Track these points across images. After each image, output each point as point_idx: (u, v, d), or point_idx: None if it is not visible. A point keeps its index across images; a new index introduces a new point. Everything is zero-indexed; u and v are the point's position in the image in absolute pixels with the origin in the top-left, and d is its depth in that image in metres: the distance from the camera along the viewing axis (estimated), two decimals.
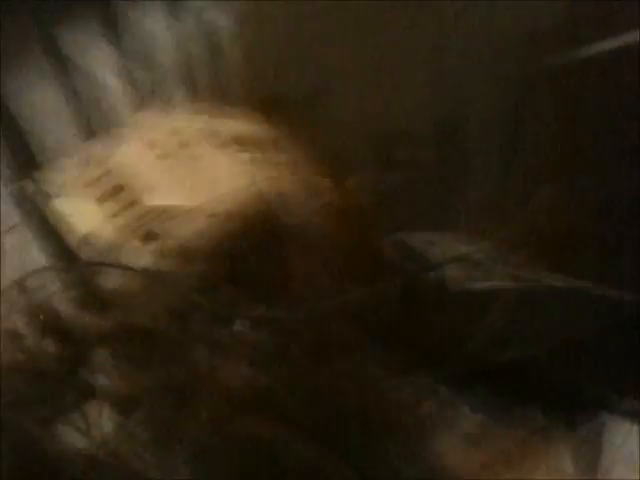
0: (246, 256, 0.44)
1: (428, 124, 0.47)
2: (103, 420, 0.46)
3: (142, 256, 0.40)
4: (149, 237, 0.41)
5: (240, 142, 0.46)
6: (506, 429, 0.65)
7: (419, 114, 0.47)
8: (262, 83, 0.53)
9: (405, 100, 0.48)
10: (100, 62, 0.58)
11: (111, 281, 0.40)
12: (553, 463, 0.91)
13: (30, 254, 0.45)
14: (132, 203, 0.42)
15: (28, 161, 0.50)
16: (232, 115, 0.49)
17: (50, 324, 0.42)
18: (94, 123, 0.53)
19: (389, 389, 0.55)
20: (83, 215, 0.42)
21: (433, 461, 0.60)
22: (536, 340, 0.50)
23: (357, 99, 0.50)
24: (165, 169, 0.45)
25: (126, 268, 0.39)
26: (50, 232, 0.44)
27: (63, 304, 0.41)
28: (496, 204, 0.43)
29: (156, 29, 0.65)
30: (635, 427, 0.59)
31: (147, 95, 0.54)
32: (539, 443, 0.65)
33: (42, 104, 0.53)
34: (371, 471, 0.53)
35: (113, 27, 0.62)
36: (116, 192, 0.43)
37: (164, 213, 0.42)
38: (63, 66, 0.59)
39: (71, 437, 0.45)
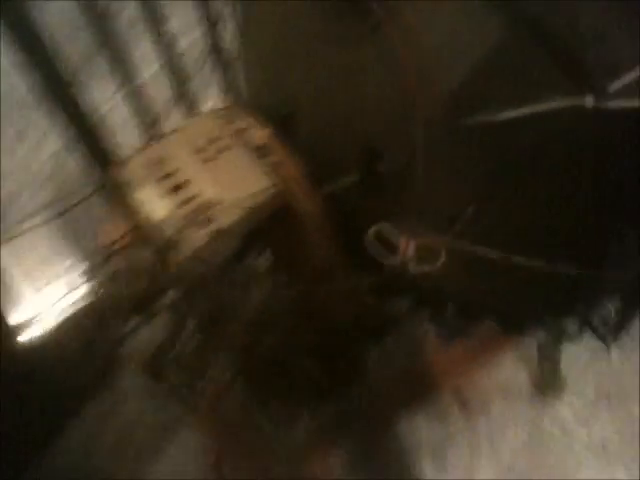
0: (268, 234, 0.63)
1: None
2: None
3: (199, 236, 0.59)
4: (203, 223, 0.59)
5: (261, 149, 0.63)
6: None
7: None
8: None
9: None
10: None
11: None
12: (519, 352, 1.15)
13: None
14: (191, 197, 0.60)
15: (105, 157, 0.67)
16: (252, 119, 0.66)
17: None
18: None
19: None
20: (156, 205, 0.60)
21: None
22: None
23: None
24: (209, 170, 0.62)
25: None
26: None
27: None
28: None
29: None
30: None
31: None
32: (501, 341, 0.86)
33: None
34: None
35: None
36: (178, 189, 0.61)
37: (213, 205, 0.59)
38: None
39: None
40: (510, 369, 1.34)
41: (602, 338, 0.88)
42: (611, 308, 0.82)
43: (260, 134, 0.63)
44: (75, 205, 0.67)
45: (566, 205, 0.56)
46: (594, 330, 0.87)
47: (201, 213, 0.58)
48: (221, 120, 0.66)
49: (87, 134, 0.69)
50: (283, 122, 0.64)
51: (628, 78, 0.47)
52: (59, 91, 0.70)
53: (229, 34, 0.75)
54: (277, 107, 0.65)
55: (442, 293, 0.76)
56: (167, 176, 0.61)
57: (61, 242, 0.66)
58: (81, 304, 0.59)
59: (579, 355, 1.33)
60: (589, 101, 0.47)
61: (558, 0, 0.51)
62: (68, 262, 0.61)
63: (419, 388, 0.86)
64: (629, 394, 1.30)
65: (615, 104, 0.47)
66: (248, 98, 0.73)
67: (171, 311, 0.67)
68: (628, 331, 1.28)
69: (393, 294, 0.71)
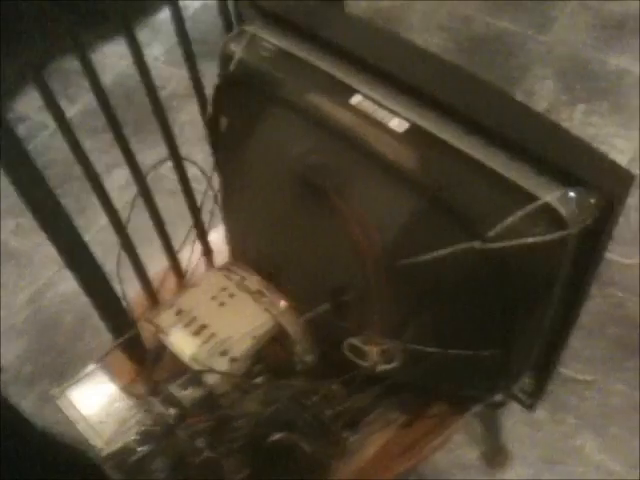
0: (267, 351, 0.85)
1: None
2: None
3: (223, 364, 0.81)
4: (223, 353, 0.82)
5: (259, 292, 0.87)
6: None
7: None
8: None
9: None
10: None
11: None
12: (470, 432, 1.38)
13: None
14: (211, 336, 0.83)
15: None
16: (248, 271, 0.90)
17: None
18: None
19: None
20: (187, 343, 0.83)
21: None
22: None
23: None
24: (222, 313, 0.85)
25: (217, 372, 0.80)
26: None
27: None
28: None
29: None
30: None
31: None
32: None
33: None
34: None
35: None
36: (201, 330, 0.84)
37: (229, 339, 0.82)
38: None
39: None
40: (463, 446, 1.56)
41: (524, 405, 1.12)
42: (526, 379, 1.06)
43: (255, 282, 0.88)
44: (113, 349, 0.89)
45: (475, 314, 0.81)
46: (517, 399, 1.11)
47: (219, 347, 0.81)
48: (227, 273, 0.90)
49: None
50: (270, 273, 0.89)
51: (502, 226, 0.73)
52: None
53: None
54: (263, 262, 0.91)
55: (400, 385, 1.00)
56: (192, 320, 0.84)
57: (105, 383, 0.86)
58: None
59: (518, 428, 1.56)
60: (477, 244, 0.73)
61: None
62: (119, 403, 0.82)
63: (390, 469, 1.07)
64: (566, 455, 1.52)
65: (495, 245, 0.73)
66: (236, 256, 0.98)
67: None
68: (557, 398, 1.52)
69: (363, 390, 0.93)
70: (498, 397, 0.98)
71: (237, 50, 0.89)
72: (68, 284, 1.78)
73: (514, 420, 1.57)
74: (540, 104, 2.17)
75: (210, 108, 0.91)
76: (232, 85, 0.91)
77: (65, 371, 1.60)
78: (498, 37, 2.37)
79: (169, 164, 1.05)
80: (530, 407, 1.12)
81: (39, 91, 0.82)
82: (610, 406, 1.58)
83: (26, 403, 1.61)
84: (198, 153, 1.09)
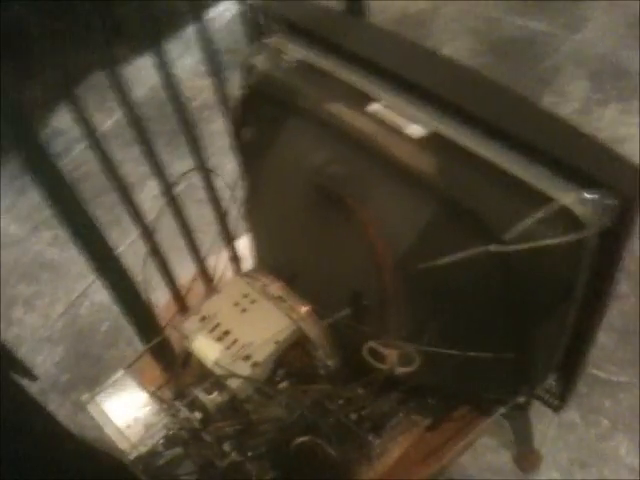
0: (291, 356, 0.87)
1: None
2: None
3: (245, 368, 0.83)
4: (246, 358, 0.84)
5: (280, 298, 0.89)
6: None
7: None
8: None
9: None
10: None
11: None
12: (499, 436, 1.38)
13: None
14: (234, 341, 0.85)
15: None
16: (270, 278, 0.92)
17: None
18: None
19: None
20: (211, 349, 0.85)
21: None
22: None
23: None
24: (245, 319, 0.87)
25: (239, 376, 0.82)
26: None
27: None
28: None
29: None
30: None
31: None
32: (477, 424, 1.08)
33: None
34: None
35: None
36: (225, 335, 0.86)
37: (251, 344, 0.84)
38: None
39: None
40: (493, 451, 1.56)
41: (551, 406, 1.11)
42: (552, 380, 1.05)
43: (276, 288, 0.90)
44: (141, 356, 0.91)
45: (493, 317, 0.81)
46: (543, 401, 1.11)
47: (242, 352, 0.83)
48: (249, 280, 0.92)
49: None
50: (291, 279, 0.91)
51: (518, 229, 0.74)
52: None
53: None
54: (283, 269, 0.92)
55: (422, 388, 1.01)
56: (216, 326, 0.87)
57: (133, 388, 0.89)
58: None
59: (549, 430, 1.55)
60: (493, 247, 0.74)
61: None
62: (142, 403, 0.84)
63: (415, 472, 1.08)
64: (598, 458, 1.50)
65: (511, 247, 0.73)
66: (258, 263, 1.01)
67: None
68: (591, 400, 1.51)
69: (385, 393, 0.94)
70: (522, 399, 0.98)
71: (258, 62, 0.92)
72: (103, 294, 1.81)
73: (546, 423, 1.56)
74: (572, 104, 2.15)
75: (233, 119, 0.93)
76: (254, 96, 0.93)
77: (100, 379, 1.64)
78: (528, 38, 2.36)
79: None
80: (557, 409, 1.11)
81: (71, 107, 0.85)
82: None
83: (64, 410, 1.65)
84: (229, 163, 1.12)
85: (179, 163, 1.03)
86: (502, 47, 2.37)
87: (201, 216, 1.17)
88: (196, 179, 1.33)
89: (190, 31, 2.47)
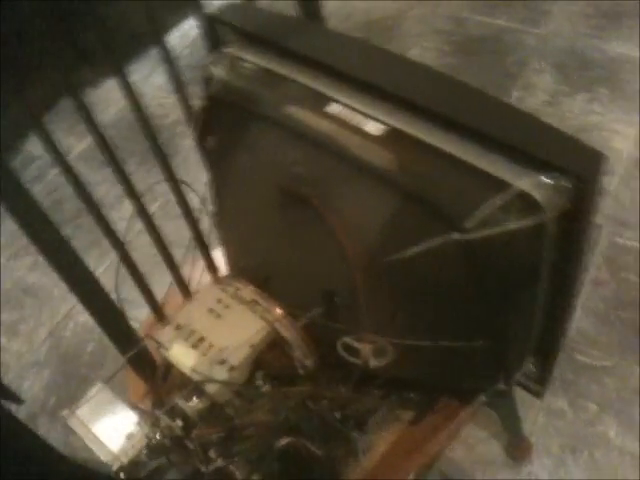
0: (269, 358, 0.88)
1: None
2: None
3: (221, 373, 0.84)
4: (222, 362, 0.85)
5: (254, 301, 0.90)
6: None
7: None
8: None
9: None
10: None
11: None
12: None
13: None
14: (210, 346, 0.86)
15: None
16: (242, 282, 0.93)
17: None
18: None
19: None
20: (187, 356, 0.86)
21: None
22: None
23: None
24: (219, 324, 0.89)
25: (216, 381, 0.82)
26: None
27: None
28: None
29: None
30: None
31: None
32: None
33: None
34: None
35: None
36: (200, 342, 0.87)
37: (227, 348, 0.85)
38: None
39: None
40: (484, 442, 1.57)
41: (532, 392, 1.13)
42: (530, 365, 1.07)
43: (250, 292, 0.91)
44: (120, 369, 0.92)
45: (462, 306, 0.83)
46: (524, 387, 1.12)
47: (217, 357, 0.84)
48: (222, 286, 0.93)
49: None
50: (264, 282, 0.92)
51: (478, 216, 0.75)
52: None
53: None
54: (256, 273, 0.94)
55: (402, 382, 1.02)
56: (191, 334, 0.87)
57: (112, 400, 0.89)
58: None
59: (537, 419, 1.57)
60: (456, 235, 0.75)
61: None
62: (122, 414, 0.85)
63: (402, 466, 1.09)
64: (589, 442, 1.52)
65: (473, 235, 0.75)
66: (231, 269, 1.02)
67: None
68: (577, 386, 1.53)
69: (366, 389, 0.95)
70: (501, 386, 0.99)
71: (217, 71, 0.93)
72: (87, 315, 1.82)
73: (534, 411, 1.58)
74: (540, 97, 2.19)
75: (196, 130, 0.95)
76: (215, 105, 0.94)
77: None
78: (494, 35, 2.39)
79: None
80: (539, 395, 1.12)
81: (39, 136, 0.86)
82: (630, 390, 1.58)
83: (54, 433, 1.65)
84: (204, 176, 1.12)
85: (155, 179, 1.04)
86: (468, 46, 2.40)
87: (177, 231, 1.18)
88: (173, 196, 1.34)
89: (152, 50, 2.50)
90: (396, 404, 1.05)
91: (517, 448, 1.53)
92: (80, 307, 1.83)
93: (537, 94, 2.20)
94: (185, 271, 1.11)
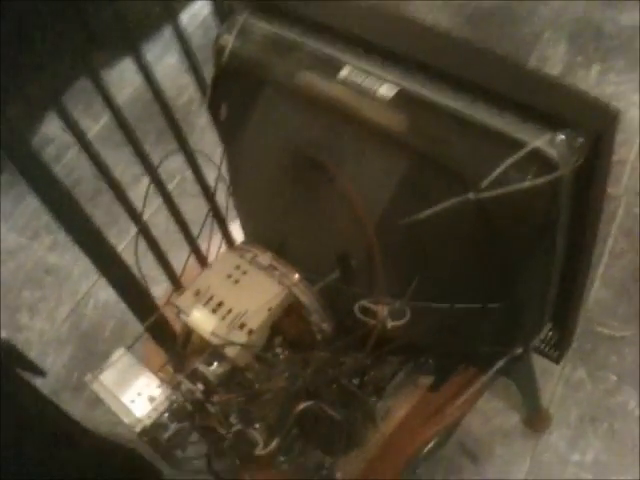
0: (286, 324, 0.89)
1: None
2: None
3: (241, 336, 0.85)
4: (242, 326, 0.86)
5: (271, 267, 0.91)
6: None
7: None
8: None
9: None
10: None
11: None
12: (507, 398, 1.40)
13: None
14: (228, 311, 0.87)
15: None
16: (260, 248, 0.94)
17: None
18: None
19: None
20: (206, 320, 0.87)
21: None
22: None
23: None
24: (237, 289, 0.89)
25: (235, 344, 0.84)
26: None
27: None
28: None
29: None
30: None
31: None
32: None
33: None
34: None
35: None
36: (219, 307, 0.88)
37: (246, 313, 0.86)
38: None
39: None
40: (502, 414, 1.58)
41: (551, 358, 1.13)
42: (549, 331, 1.07)
43: (267, 258, 0.92)
44: (140, 336, 0.94)
45: (478, 267, 0.83)
46: (542, 353, 1.12)
47: (237, 321, 0.85)
48: (240, 252, 0.94)
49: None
50: (279, 248, 0.93)
51: (494, 175, 0.75)
52: None
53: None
54: (272, 239, 0.94)
55: (419, 347, 1.03)
56: (210, 299, 0.89)
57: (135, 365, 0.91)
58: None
59: (556, 390, 1.57)
60: (472, 195, 0.76)
61: None
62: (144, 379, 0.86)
63: (420, 432, 1.10)
64: (608, 413, 1.52)
65: (489, 194, 0.75)
66: (247, 236, 1.03)
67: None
68: (596, 357, 1.52)
69: (383, 355, 0.96)
70: (519, 351, 1.00)
71: (229, 40, 0.93)
72: (107, 293, 1.84)
73: (553, 382, 1.58)
74: (555, 68, 2.17)
75: (208, 98, 0.95)
76: (228, 75, 0.95)
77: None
78: (506, 7, 2.37)
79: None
80: (557, 360, 1.13)
81: (58, 114, 0.87)
82: None
83: (77, 409, 1.67)
84: (219, 153, 1.13)
85: (170, 159, 1.05)
86: (480, 18, 2.38)
87: (194, 210, 1.19)
88: (191, 173, 1.35)
89: (168, 30, 2.50)
90: (414, 370, 1.06)
91: (536, 419, 1.54)
92: (100, 285, 1.87)
93: (552, 65, 2.18)
94: (203, 244, 1.13)
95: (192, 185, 1.15)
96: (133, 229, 1.70)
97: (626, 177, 1.88)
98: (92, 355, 1.79)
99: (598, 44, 2.21)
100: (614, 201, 1.84)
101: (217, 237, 1.17)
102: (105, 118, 2.03)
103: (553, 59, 2.21)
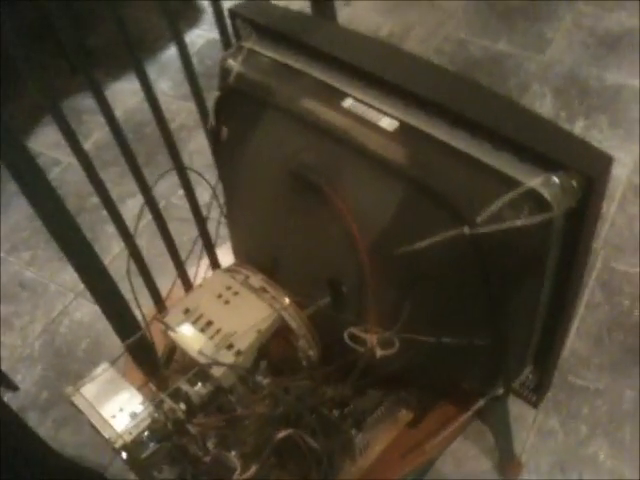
0: (273, 348, 0.89)
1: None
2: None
3: (228, 357, 0.84)
4: (229, 347, 0.85)
5: (262, 289, 0.91)
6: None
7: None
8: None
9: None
10: None
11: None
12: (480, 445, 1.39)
13: None
14: (217, 331, 0.87)
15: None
16: (252, 270, 0.94)
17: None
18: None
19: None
20: (194, 339, 0.86)
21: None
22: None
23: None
24: (227, 310, 0.89)
25: (223, 364, 0.83)
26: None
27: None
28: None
29: None
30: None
31: None
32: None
33: None
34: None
35: None
36: (208, 326, 0.88)
37: (235, 333, 0.86)
38: None
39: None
40: (475, 459, 1.57)
41: (529, 401, 1.13)
42: (528, 374, 1.08)
43: (258, 279, 0.92)
44: (123, 354, 0.92)
45: (467, 302, 0.84)
46: (520, 396, 1.13)
47: (225, 341, 0.85)
48: (231, 273, 0.94)
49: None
50: (271, 271, 0.93)
51: (489, 211, 0.77)
52: None
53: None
54: (264, 262, 0.94)
55: (401, 380, 1.03)
56: (199, 318, 0.88)
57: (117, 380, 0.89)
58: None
59: (529, 437, 1.57)
60: (466, 230, 0.77)
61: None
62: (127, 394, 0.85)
63: (397, 468, 1.09)
64: (579, 463, 1.53)
65: (483, 229, 0.76)
66: (239, 258, 1.03)
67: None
68: (569, 407, 1.53)
69: (366, 386, 0.96)
70: (499, 391, 1.00)
71: (235, 64, 0.95)
72: (84, 311, 1.83)
73: (526, 430, 1.59)
74: None
75: (211, 119, 0.96)
76: (231, 96, 0.96)
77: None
78: (495, 59, 2.43)
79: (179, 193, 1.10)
80: (535, 404, 1.13)
81: (57, 123, 0.87)
82: (621, 412, 1.59)
83: (43, 428, 1.64)
84: (210, 178, 1.14)
85: (159, 182, 1.06)
86: (469, 67, 2.44)
87: (182, 233, 1.19)
88: (176, 198, 1.36)
89: (165, 55, 2.54)
90: (394, 405, 1.05)
91: (508, 465, 1.54)
92: (76, 304, 1.85)
93: None
94: (190, 268, 1.12)
95: (177, 210, 1.15)
96: (115, 248, 1.70)
97: (605, 231, 1.92)
98: (63, 374, 1.76)
99: (583, 100, 2.27)
100: (593, 253, 1.87)
101: (203, 262, 1.17)
102: (90, 141, 2.03)
103: (539, 112, 2.26)
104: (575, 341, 1.74)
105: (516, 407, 1.22)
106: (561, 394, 1.65)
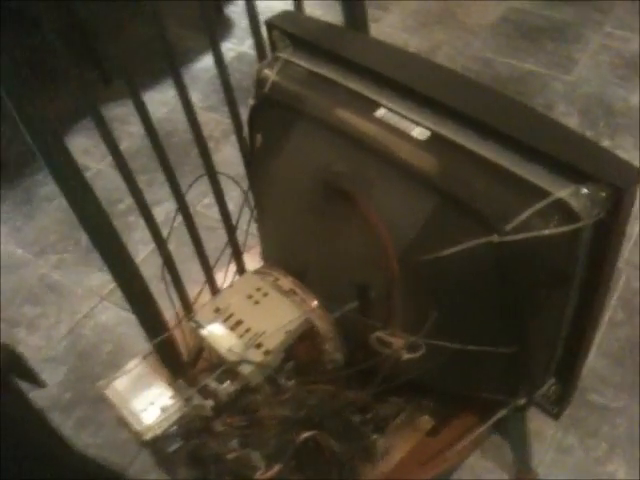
0: (299, 350, 0.90)
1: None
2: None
3: (257, 355, 0.86)
4: (258, 346, 0.87)
5: (289, 292, 0.93)
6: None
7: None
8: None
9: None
10: None
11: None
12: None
13: None
14: (246, 330, 0.89)
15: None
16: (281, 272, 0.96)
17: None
18: None
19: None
20: (224, 337, 0.88)
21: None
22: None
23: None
24: (257, 310, 0.91)
25: (251, 362, 0.85)
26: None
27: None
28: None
29: None
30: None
31: None
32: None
33: None
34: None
35: None
36: (237, 325, 0.90)
37: (264, 333, 0.88)
38: None
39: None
40: (492, 473, 1.57)
41: (550, 413, 1.13)
42: (551, 386, 1.08)
43: (288, 282, 0.94)
44: (157, 343, 0.95)
45: (493, 310, 0.85)
46: (542, 408, 1.13)
47: (254, 340, 0.87)
48: (261, 275, 0.96)
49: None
50: (300, 275, 0.95)
51: (518, 220, 0.78)
52: None
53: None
54: (293, 266, 0.97)
55: (423, 387, 1.04)
56: (229, 317, 0.90)
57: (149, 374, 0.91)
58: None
59: (547, 454, 1.57)
60: (495, 238, 0.78)
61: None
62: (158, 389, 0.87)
63: (416, 475, 1.10)
64: None
65: (512, 237, 0.78)
66: (265, 259, 1.05)
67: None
68: (588, 425, 1.53)
69: (386, 394, 0.97)
70: (521, 401, 1.01)
71: (271, 74, 0.97)
72: (108, 315, 1.86)
73: (544, 446, 1.58)
74: None
75: (246, 127, 0.99)
76: (266, 105, 0.99)
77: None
78: (521, 78, 2.45)
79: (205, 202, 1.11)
80: (556, 416, 1.13)
81: (97, 127, 0.90)
82: None
83: (66, 429, 1.66)
84: (233, 190, 1.16)
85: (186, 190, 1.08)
86: (497, 85, 2.44)
87: (207, 241, 1.21)
88: (202, 207, 1.38)
89: (195, 68, 2.57)
90: (415, 412, 1.06)
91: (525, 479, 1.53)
92: (101, 307, 1.87)
93: None
94: (218, 274, 1.15)
95: (203, 218, 1.16)
96: (140, 254, 1.72)
97: (628, 251, 1.92)
98: (86, 376, 1.78)
99: (608, 120, 2.28)
100: (615, 272, 1.87)
101: (230, 268, 1.19)
102: (120, 147, 2.05)
103: None
104: (596, 359, 1.73)
105: (535, 423, 1.22)
106: (580, 411, 1.65)
